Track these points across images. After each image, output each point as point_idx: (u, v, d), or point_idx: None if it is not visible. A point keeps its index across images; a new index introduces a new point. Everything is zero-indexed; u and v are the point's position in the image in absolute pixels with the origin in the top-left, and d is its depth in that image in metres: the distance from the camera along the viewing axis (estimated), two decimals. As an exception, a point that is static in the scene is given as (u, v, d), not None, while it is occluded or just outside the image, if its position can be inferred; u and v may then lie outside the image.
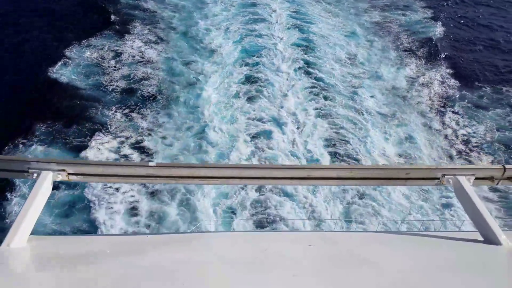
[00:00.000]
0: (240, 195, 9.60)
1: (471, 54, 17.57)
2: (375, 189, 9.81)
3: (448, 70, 15.91)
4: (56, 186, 9.11)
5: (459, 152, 11.44)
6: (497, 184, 2.26)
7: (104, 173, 2.33)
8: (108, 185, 9.56)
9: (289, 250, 1.99)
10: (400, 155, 11.25)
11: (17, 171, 2.30)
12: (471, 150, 11.55)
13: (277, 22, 18.35)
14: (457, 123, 12.42)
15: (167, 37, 17.09)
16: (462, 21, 20.55)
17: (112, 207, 9.19)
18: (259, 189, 9.78)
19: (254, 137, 11.56)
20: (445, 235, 2.08)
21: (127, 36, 16.84)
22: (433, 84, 14.97)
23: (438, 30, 18.82)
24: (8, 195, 9.30)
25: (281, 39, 16.85)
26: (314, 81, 14.37)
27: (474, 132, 12.18)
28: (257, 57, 15.49)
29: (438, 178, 2.23)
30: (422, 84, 14.96)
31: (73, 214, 9.13)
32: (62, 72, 14.20)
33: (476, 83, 15.28)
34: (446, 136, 11.93)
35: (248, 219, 8.90)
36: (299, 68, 15.13)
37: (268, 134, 11.62)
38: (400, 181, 2.27)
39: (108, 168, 2.35)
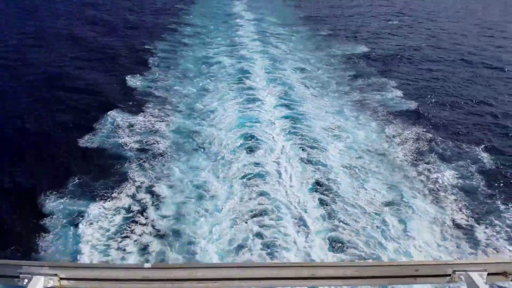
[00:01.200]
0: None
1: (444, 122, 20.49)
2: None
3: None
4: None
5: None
6: (511, 280, 2.16)
7: (97, 277, 2.34)
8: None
9: None
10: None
11: (7, 276, 2.24)
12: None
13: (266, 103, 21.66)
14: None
15: (174, 115, 20.20)
16: (429, 96, 24.09)
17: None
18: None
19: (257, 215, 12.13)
20: None
21: (140, 114, 20.01)
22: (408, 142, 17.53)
23: (409, 105, 22.17)
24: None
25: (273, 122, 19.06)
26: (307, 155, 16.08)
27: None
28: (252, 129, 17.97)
29: (449, 275, 2.16)
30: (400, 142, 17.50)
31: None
32: (91, 139, 17.05)
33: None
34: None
35: None
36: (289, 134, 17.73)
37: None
38: (410, 279, 2.20)
39: (102, 271, 2.35)
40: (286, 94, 23.04)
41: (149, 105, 21.17)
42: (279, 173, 14.50)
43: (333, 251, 10.88)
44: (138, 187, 13.61)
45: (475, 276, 2.09)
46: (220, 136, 17.66)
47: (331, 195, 13.35)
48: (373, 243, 11.07)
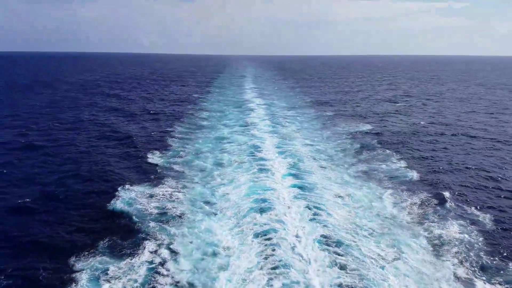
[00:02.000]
0: None
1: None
2: None
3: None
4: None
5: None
6: None
7: None
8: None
9: None
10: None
11: None
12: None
13: (275, 174, 23.45)
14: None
15: (191, 186, 22.02)
16: (431, 165, 25.59)
17: None
18: None
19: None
20: None
21: (159, 185, 21.92)
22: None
23: (412, 174, 23.69)
24: None
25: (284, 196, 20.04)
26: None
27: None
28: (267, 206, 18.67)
29: None
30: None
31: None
32: (115, 204, 18.92)
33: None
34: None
35: None
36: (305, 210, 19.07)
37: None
38: None
39: None
40: (295, 165, 24.95)
41: (168, 179, 23.12)
42: (287, 230, 15.68)
43: None
44: (160, 244, 14.92)
45: None
46: (234, 200, 19.25)
47: (340, 249, 14.38)
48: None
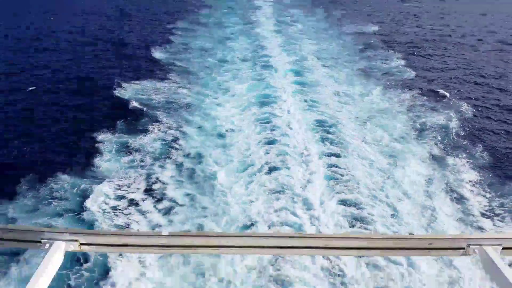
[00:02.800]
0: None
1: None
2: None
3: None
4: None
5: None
6: None
7: (116, 243, 2.42)
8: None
9: None
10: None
11: (30, 241, 2.35)
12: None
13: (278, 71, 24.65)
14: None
15: (195, 81, 23.41)
16: (426, 64, 26.67)
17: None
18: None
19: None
20: None
21: (165, 80, 23.35)
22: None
23: (410, 72, 24.88)
24: (15, 266, 9.69)
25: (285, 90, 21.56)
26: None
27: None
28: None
29: (463, 248, 2.19)
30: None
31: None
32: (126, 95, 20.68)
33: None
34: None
35: None
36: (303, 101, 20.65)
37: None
38: (423, 251, 2.23)
39: (121, 238, 2.43)
40: (298, 63, 26.04)
41: (172, 74, 24.43)
42: (289, 123, 17.59)
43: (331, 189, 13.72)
44: (169, 127, 16.97)
45: (489, 250, 2.13)
46: (238, 94, 20.89)
47: (334, 136, 16.41)
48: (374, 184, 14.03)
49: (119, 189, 12.77)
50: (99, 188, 12.61)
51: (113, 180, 13.16)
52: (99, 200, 12.15)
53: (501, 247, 2.17)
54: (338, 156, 15.01)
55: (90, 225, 11.21)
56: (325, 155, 15.11)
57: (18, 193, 12.45)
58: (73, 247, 2.38)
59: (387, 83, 22.90)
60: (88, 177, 13.29)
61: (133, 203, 12.05)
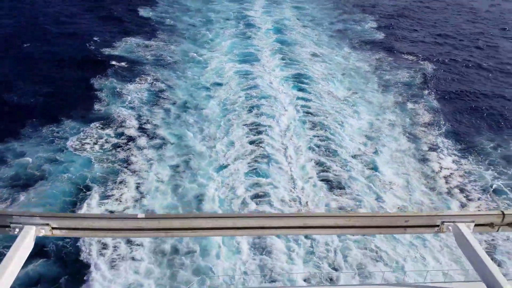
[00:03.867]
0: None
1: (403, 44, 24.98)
2: (374, 236, 10.01)
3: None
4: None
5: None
6: (497, 230, 2.31)
7: (90, 226, 2.30)
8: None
9: None
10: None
11: None
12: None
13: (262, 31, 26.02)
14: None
15: (181, 40, 24.66)
16: (395, 27, 28.45)
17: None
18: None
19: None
20: (448, 286, 2.19)
21: (153, 39, 24.52)
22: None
23: (379, 35, 26.63)
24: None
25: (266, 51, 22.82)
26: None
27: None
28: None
29: (438, 226, 2.28)
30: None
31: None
32: (118, 51, 21.89)
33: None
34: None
35: (250, 274, 9.32)
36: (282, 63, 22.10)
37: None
38: (399, 229, 2.30)
39: (94, 221, 2.31)
40: (279, 23, 27.45)
41: (160, 32, 25.53)
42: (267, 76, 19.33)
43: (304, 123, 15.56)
44: (157, 79, 18.53)
45: (462, 226, 2.21)
46: (221, 51, 22.39)
47: (308, 86, 18.29)
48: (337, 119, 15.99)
49: (115, 129, 14.51)
50: (94, 127, 14.37)
51: (108, 123, 14.90)
52: (99, 141, 13.83)
53: (473, 224, 2.26)
54: (309, 100, 16.98)
55: (88, 167, 12.43)
56: (299, 99, 17.08)
57: (23, 134, 13.98)
58: (44, 231, 2.28)
59: (360, 44, 24.63)
60: (87, 120, 14.95)
61: (130, 139, 13.75)
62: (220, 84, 18.35)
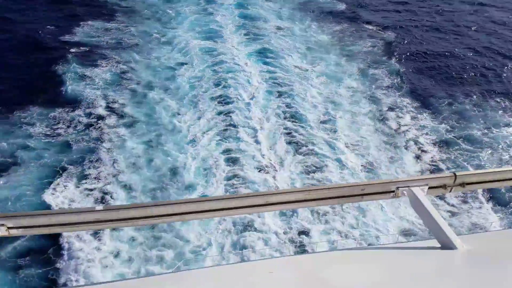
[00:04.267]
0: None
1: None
2: (333, 206, 10.40)
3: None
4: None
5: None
6: (450, 191, 2.42)
7: (47, 223, 2.27)
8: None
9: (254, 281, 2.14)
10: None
11: None
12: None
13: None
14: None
15: (141, 21, 24.43)
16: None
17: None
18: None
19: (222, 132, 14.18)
20: (406, 245, 2.30)
21: (112, 21, 24.17)
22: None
23: (341, 6, 27.38)
24: None
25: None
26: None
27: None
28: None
29: (393, 191, 2.36)
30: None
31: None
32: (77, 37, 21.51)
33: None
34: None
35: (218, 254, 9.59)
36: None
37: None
38: (357, 197, 2.39)
39: (51, 217, 2.27)
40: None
41: (119, 14, 25.16)
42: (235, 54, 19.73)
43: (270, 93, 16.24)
44: (119, 61, 18.52)
45: (417, 190, 2.31)
46: (183, 29, 22.44)
47: (275, 62, 18.87)
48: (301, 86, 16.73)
49: (83, 110, 14.60)
50: (63, 110, 14.41)
51: (77, 104, 14.95)
52: (71, 123, 13.94)
53: (427, 187, 2.36)
54: (274, 72, 17.66)
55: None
56: (265, 71, 17.73)
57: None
58: (0, 232, 2.27)
59: (322, 16, 25.33)
60: (54, 104, 14.92)
61: (100, 118, 14.06)
62: (184, 63, 18.59)
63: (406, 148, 13.25)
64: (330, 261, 2.26)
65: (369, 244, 8.82)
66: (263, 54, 19.64)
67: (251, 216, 10.24)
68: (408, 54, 20.25)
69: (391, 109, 15.45)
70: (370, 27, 23.86)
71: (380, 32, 23.18)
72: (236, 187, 11.37)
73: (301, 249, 9.53)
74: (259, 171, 11.96)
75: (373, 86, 17.13)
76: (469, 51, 20.44)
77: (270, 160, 12.46)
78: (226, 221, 10.34)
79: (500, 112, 15.02)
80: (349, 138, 13.74)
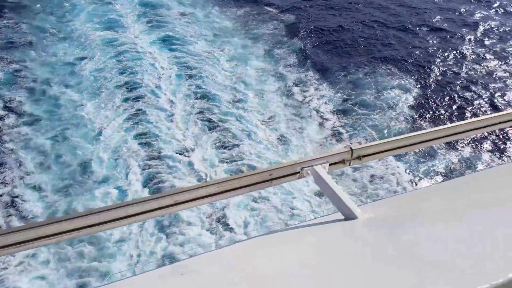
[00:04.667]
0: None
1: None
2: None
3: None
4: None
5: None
6: (349, 165, 2.57)
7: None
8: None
9: None
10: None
11: None
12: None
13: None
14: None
15: (32, 16, 22.78)
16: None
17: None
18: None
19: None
20: (314, 222, 2.28)
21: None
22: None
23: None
24: None
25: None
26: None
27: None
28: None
29: (298, 172, 2.46)
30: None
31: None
32: None
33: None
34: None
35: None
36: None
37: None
38: (266, 183, 2.44)
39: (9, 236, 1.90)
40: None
41: (6, 10, 23.17)
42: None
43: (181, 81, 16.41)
44: (11, 62, 17.29)
45: (319, 168, 2.44)
46: (80, 22, 21.48)
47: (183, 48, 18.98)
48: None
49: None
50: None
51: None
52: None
53: (328, 164, 2.49)
54: (182, 57, 17.96)
55: None
56: (172, 57, 17.92)
57: None
58: None
59: (225, 1, 25.90)
60: None
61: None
62: (84, 58, 17.92)
63: (310, 118, 14.43)
64: (246, 251, 2.25)
65: (286, 225, 8.99)
66: (168, 42, 19.69)
67: (161, 218, 9.85)
68: (307, 32, 21.75)
69: (296, 84, 16.66)
70: (271, 9, 25.03)
71: (280, 14, 24.49)
72: (154, 175, 11.48)
73: (217, 245, 9.57)
74: (176, 153, 12.22)
75: (279, 65, 18.25)
76: (359, 24, 22.55)
77: (185, 139, 12.79)
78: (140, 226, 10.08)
79: (388, 77, 16.97)
80: (261, 114, 14.57)
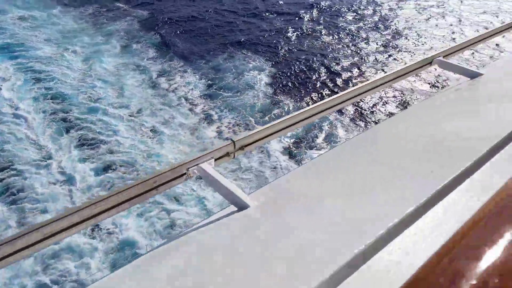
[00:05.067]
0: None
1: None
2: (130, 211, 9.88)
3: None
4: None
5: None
6: (233, 157, 2.54)
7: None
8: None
9: None
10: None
11: None
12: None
13: None
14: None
15: None
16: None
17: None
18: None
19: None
20: (212, 219, 2.16)
21: None
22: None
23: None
24: None
25: None
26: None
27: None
28: None
29: (185, 173, 2.36)
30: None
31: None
32: None
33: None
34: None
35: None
36: None
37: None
38: (152, 192, 2.27)
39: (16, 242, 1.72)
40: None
41: None
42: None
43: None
44: None
45: (205, 165, 2.37)
46: None
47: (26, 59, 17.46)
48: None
49: None
50: None
51: None
52: None
53: (213, 159, 2.42)
54: (27, 63, 16.91)
55: None
56: (16, 64, 16.75)
57: None
58: None
59: (71, 1, 24.50)
60: None
61: None
62: None
63: (180, 105, 15.04)
64: (153, 260, 1.96)
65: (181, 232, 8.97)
66: (8, 49, 18.02)
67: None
68: (163, 24, 22.18)
69: (161, 74, 17.07)
70: (121, 4, 24.63)
71: (132, 9, 24.33)
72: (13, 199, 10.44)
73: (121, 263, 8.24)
74: (34, 161, 11.57)
75: (139, 59, 18.40)
76: (211, 13, 23.83)
77: (44, 145, 12.23)
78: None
79: (244, 61, 18.45)
80: (128, 109, 14.58)
